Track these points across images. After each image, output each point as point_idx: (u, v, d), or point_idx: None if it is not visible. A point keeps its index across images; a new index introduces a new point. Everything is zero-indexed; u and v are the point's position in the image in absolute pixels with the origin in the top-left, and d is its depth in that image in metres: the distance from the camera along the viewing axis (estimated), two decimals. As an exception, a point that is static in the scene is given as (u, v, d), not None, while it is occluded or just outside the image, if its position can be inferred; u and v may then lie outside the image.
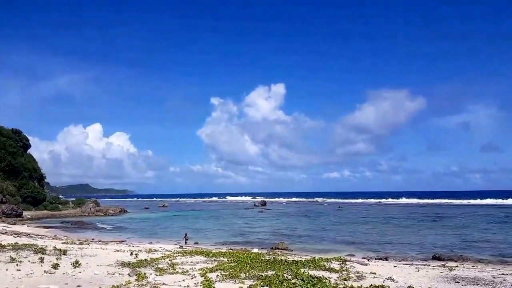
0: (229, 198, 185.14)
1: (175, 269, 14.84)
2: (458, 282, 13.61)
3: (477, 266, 19.88)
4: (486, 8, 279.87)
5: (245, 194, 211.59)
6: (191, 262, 17.10)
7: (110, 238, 36.06)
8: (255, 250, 24.78)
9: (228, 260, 17.17)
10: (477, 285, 13.10)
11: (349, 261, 18.55)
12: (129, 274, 13.66)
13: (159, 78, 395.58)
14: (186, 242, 32.27)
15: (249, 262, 16.32)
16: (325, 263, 16.91)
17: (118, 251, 21.30)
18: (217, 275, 13.48)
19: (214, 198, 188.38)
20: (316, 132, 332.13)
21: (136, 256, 18.58)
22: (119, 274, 13.84)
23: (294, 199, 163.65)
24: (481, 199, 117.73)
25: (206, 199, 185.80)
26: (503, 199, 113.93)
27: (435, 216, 60.88)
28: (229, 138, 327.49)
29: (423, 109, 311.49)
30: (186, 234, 34.50)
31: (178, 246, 27.18)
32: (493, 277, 14.77)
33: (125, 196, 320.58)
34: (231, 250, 24.43)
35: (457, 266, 18.74)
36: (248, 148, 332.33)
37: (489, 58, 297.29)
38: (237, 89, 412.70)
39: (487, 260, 24.04)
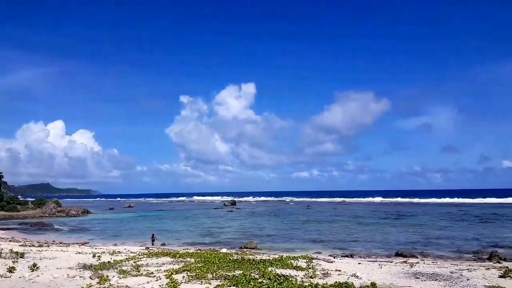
0: (198, 198, 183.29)
1: (139, 271, 14.53)
2: (418, 277, 14.10)
3: (436, 262, 20.67)
4: (450, 11, 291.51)
5: (215, 194, 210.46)
6: (157, 263, 16.80)
7: (72, 240, 34.88)
8: (224, 250, 24.67)
9: (195, 261, 17.00)
10: (436, 280, 13.62)
11: (315, 259, 18.82)
12: (90, 277, 13.24)
13: (126, 75, 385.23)
14: (153, 243, 31.68)
15: (217, 262, 16.24)
16: (292, 261, 17.08)
17: (79, 253, 20.61)
18: (183, 276, 13.31)
19: (183, 198, 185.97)
20: (286, 132, 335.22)
21: (99, 258, 18.05)
22: (80, 277, 13.39)
23: (264, 198, 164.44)
24: (441, 198, 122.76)
25: (174, 199, 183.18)
26: (460, 198, 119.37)
27: (398, 214, 62.91)
28: (199, 137, 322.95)
29: (388, 111, 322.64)
30: (153, 234, 33.87)
31: (144, 248, 26.64)
32: (451, 272, 15.41)
33: (89, 196, 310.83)
34: (199, 251, 24.21)
35: (418, 262, 19.43)
36: (218, 147, 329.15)
37: (449, 63, 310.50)
38: (207, 88, 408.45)
39: (446, 256, 25.07)
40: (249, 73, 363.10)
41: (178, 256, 19.32)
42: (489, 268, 17.01)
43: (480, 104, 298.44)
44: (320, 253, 25.72)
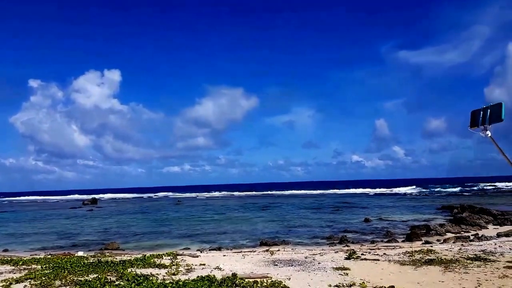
0: (53, 197, 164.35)
1: (-35, 286, 12.06)
2: (276, 264, 14.92)
3: (295, 249, 22.36)
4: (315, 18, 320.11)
5: (73, 192, 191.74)
6: (-8, 274, 14.24)
7: None
8: (80, 253, 22.40)
9: (42, 267, 14.93)
10: (291, 266, 14.60)
11: (181, 254, 18.44)
12: None
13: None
14: (-9, 251, 26.99)
15: (68, 267, 14.54)
16: (156, 259, 16.38)
17: None
18: (25, 286, 11.54)
19: (33, 197, 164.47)
20: (156, 124, 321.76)
21: None
22: None
23: (131, 194, 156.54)
24: (301, 190, 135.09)
25: (23, 198, 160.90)
26: (318, 189, 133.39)
27: (264, 206, 66.78)
28: (53, 127, 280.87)
29: (256, 108, 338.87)
30: (-9, 240, 28.87)
31: (-22, 257, 22.44)
32: (306, 257, 16.76)
33: None
34: (49, 256, 21.47)
35: (278, 250, 20.68)
36: (76, 139, 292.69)
37: (309, 68, 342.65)
38: (63, 72, 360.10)
39: (304, 242, 27.37)
40: (113, 59, 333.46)
41: (21, 263, 16.74)
42: (337, 251, 19.08)
43: (334, 105, 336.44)
44: (188, 248, 25.45)
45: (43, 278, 12.47)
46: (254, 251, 20.82)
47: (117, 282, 11.44)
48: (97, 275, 12.75)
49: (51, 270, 13.97)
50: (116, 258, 17.21)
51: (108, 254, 21.58)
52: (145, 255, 17.93)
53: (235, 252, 20.69)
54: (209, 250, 24.15)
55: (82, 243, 31.02)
